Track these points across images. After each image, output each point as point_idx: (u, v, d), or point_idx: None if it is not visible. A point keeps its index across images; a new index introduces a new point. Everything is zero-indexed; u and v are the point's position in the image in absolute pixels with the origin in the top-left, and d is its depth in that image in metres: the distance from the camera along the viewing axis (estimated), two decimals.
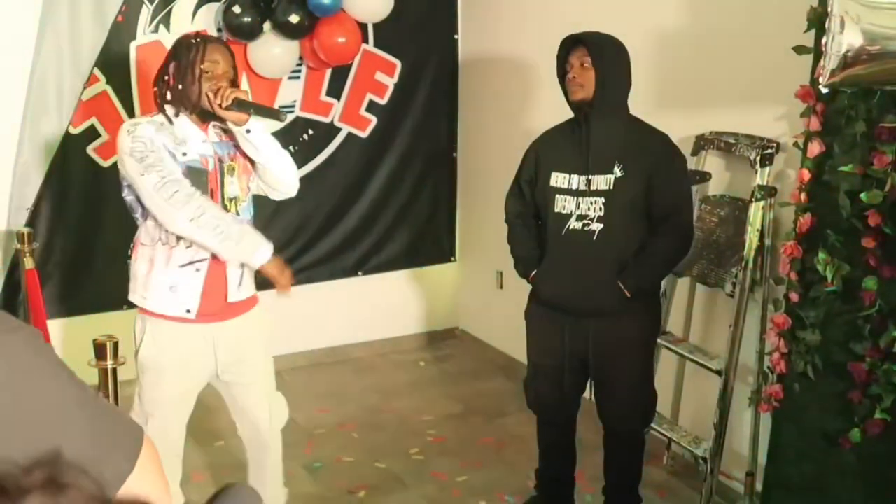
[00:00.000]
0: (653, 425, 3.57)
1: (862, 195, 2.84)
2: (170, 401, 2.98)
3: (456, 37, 5.20)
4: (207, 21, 4.50)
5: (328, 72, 4.82)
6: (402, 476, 3.88)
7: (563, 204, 3.13)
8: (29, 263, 3.82)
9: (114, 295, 4.54)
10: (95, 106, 4.37)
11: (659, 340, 3.61)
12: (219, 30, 4.51)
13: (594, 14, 3.79)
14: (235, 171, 2.94)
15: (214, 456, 4.07)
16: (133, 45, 4.40)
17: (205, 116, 2.88)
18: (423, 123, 5.12)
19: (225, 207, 2.87)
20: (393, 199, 5.15)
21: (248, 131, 2.85)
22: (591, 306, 3.12)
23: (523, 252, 3.30)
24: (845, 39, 2.05)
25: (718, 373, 3.43)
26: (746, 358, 3.44)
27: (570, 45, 3.11)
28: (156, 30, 4.43)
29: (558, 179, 3.15)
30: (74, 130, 4.34)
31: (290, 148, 4.75)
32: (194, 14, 4.49)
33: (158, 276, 2.86)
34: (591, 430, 3.44)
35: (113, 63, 4.36)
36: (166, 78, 2.85)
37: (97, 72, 4.32)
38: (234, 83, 2.88)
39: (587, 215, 3.09)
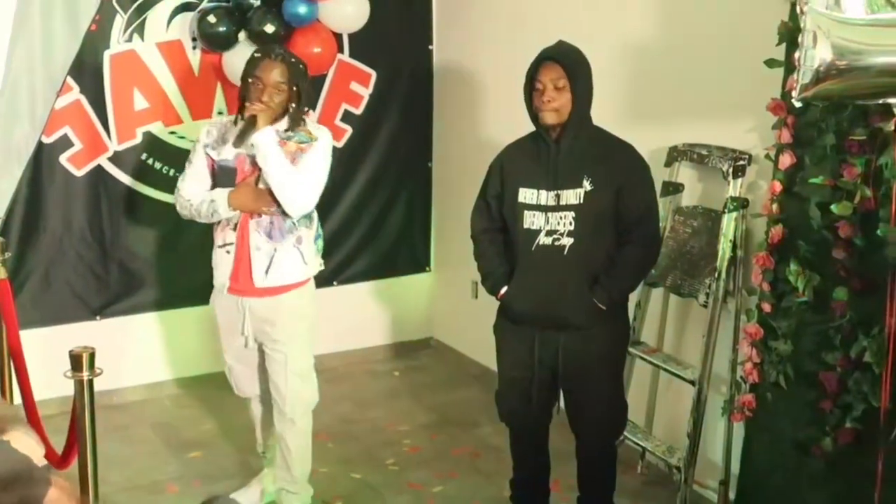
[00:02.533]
0: (627, 434, 3.59)
1: (832, 207, 2.89)
2: (229, 353, 3.53)
3: (431, 47, 5.22)
4: (182, 30, 4.49)
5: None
6: (377, 487, 3.88)
7: (532, 220, 3.12)
8: (1, 273, 3.77)
9: (88, 304, 4.54)
10: (69, 115, 4.34)
11: (632, 350, 3.63)
12: (193, 39, 4.49)
13: (567, 25, 3.81)
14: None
15: (189, 466, 4.04)
16: (107, 54, 4.37)
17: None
18: (398, 133, 5.13)
19: None
20: (368, 209, 5.15)
21: (251, 144, 3.21)
22: (562, 320, 3.12)
23: (491, 268, 3.28)
24: (818, 54, 2.08)
25: (692, 382, 3.45)
26: (719, 368, 3.47)
27: (543, 60, 3.07)
28: (129, 39, 4.41)
29: (526, 195, 3.13)
30: (47, 139, 4.31)
31: None
32: (169, 23, 4.47)
33: (213, 253, 3.40)
34: (565, 439, 3.45)
35: (86, 72, 4.34)
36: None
37: (70, 80, 4.30)
38: (295, 97, 3.27)
39: (557, 230, 3.09)
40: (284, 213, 3.26)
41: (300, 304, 3.42)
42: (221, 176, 3.31)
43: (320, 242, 3.49)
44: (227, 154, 3.30)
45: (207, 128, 3.39)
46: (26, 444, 1.38)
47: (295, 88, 3.27)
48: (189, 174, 3.38)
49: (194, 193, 3.34)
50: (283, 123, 3.28)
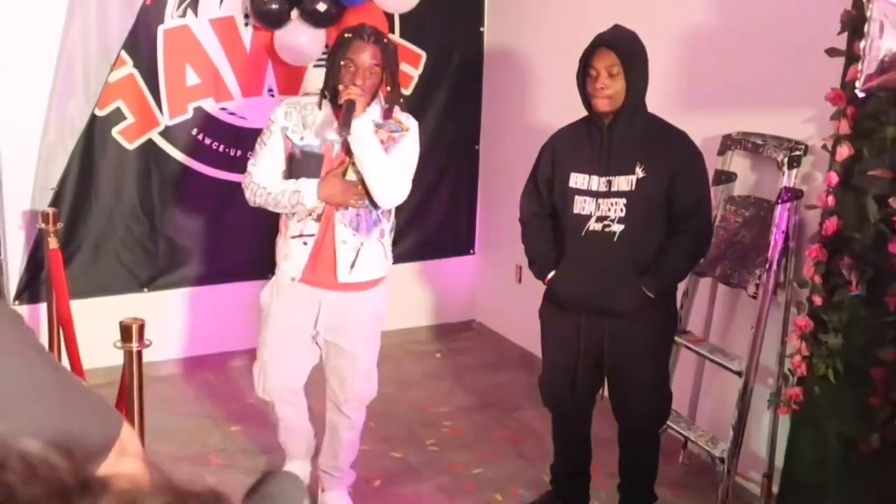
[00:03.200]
0: (670, 424, 3.57)
1: (890, 200, 2.83)
2: (280, 346, 3.32)
3: (482, 29, 5.19)
4: (235, 7, 4.50)
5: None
6: (417, 466, 3.90)
7: (583, 205, 3.10)
8: (53, 243, 3.84)
9: (136, 277, 4.60)
10: (121, 88, 4.38)
11: (678, 339, 3.60)
12: (246, 16, 4.51)
13: (622, 9, 3.77)
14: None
15: (232, 440, 4.08)
16: (161, 29, 4.40)
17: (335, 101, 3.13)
18: (446, 115, 5.11)
19: None
20: (414, 191, 5.08)
21: (349, 134, 3.04)
22: (610, 307, 3.10)
23: (540, 253, 3.27)
24: (884, 44, 2.04)
25: (738, 374, 3.42)
26: (767, 360, 3.43)
27: (597, 46, 3.02)
28: (183, 14, 4.43)
29: (577, 180, 3.11)
30: (100, 112, 4.35)
31: None
32: (222, 0, 4.49)
33: (280, 245, 3.26)
34: (607, 426, 3.44)
35: (140, 46, 4.37)
36: (326, 67, 3.19)
37: (124, 54, 4.33)
38: (391, 81, 3.15)
39: (607, 216, 3.06)
40: (373, 205, 3.15)
41: (380, 302, 3.34)
42: (305, 163, 3.12)
43: (393, 235, 3.42)
44: (312, 139, 3.13)
45: (285, 109, 3.18)
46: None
47: (387, 72, 3.11)
48: (262, 158, 3.18)
49: (272, 181, 3.15)
50: (375, 110, 3.13)
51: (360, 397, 3.41)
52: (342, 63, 3.04)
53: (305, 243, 3.17)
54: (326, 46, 4.67)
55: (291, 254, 3.20)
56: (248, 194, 3.23)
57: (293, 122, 3.15)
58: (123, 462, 1.20)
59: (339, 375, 3.35)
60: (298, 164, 3.13)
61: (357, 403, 3.42)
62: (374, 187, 3.10)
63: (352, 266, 3.17)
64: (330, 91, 3.11)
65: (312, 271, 3.18)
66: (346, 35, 3.10)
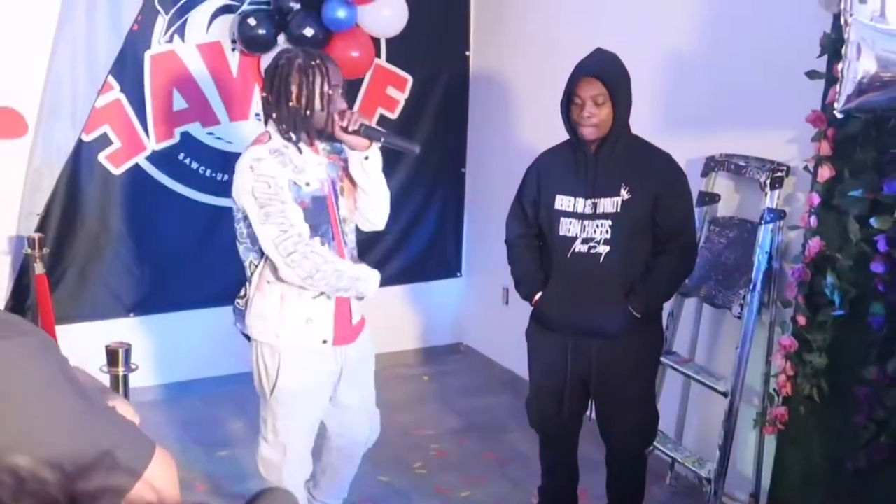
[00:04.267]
0: (657, 445, 3.57)
1: (872, 220, 2.86)
2: (308, 428, 3.06)
3: (467, 53, 5.23)
4: (222, 32, 4.53)
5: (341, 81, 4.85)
6: (405, 490, 3.89)
7: (568, 227, 3.11)
8: (39, 268, 3.84)
9: (123, 302, 4.59)
10: (108, 113, 4.39)
11: (664, 360, 3.61)
12: (233, 41, 4.54)
13: (605, 32, 3.81)
14: (344, 191, 2.95)
15: (218, 465, 4.07)
16: (147, 55, 4.42)
17: (318, 137, 2.86)
18: (432, 139, 5.14)
19: (341, 231, 2.93)
20: (401, 214, 5.16)
21: (366, 158, 2.86)
22: (596, 328, 3.11)
23: (526, 274, 3.27)
24: (861, 66, 2.07)
25: (724, 394, 3.43)
26: (752, 380, 3.45)
27: (582, 75, 3.02)
28: (170, 39, 4.46)
29: (563, 202, 3.12)
30: (87, 137, 4.36)
31: None
32: (209, 25, 4.52)
33: (292, 310, 2.85)
34: (594, 448, 3.45)
35: (127, 71, 4.39)
36: (291, 104, 2.76)
37: (111, 79, 4.35)
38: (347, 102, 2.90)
39: (593, 238, 3.08)
40: (362, 229, 3.07)
41: (371, 336, 3.17)
42: (316, 211, 2.83)
43: None
44: (314, 181, 2.85)
45: (276, 160, 2.76)
46: (125, 410, 1.42)
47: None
48: (293, 215, 2.75)
49: (328, 267, 2.79)
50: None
51: (373, 439, 3.31)
52: (329, 92, 2.79)
53: (329, 297, 2.89)
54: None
55: (315, 315, 2.88)
56: (299, 266, 2.73)
57: (290, 169, 2.79)
58: (155, 487, 1.21)
59: (352, 425, 3.19)
60: (308, 214, 2.81)
61: (372, 442, 3.32)
62: (381, 209, 3.03)
63: (357, 305, 3.03)
64: (319, 128, 2.82)
65: (342, 326, 2.94)
66: (316, 62, 2.79)
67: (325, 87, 2.77)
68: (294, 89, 2.75)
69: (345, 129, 2.80)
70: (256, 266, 2.89)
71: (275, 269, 2.81)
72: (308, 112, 2.76)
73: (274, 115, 2.81)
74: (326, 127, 2.80)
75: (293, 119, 2.78)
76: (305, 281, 2.76)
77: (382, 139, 2.86)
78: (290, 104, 2.76)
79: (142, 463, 1.21)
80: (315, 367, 2.94)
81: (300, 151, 2.82)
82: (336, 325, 2.92)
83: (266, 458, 3.07)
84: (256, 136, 2.88)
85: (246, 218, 2.81)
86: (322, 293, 2.85)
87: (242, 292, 2.98)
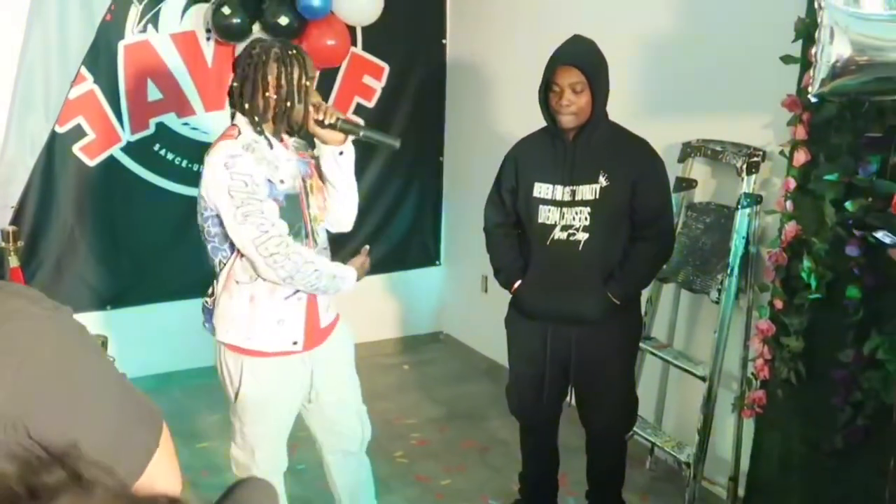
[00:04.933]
0: (636, 430, 3.59)
1: (847, 204, 2.88)
2: (277, 432, 2.96)
3: (444, 41, 5.22)
4: (196, 21, 4.50)
5: (317, 74, 4.82)
6: (386, 479, 3.88)
7: (547, 214, 3.11)
8: (14, 262, 3.81)
9: (100, 294, 4.56)
10: (82, 105, 4.36)
11: (643, 345, 3.63)
12: (208, 30, 4.50)
13: (583, 20, 3.81)
14: (314, 189, 2.83)
15: (198, 457, 4.05)
16: (121, 45, 4.39)
17: (292, 131, 2.77)
18: (409, 127, 5.12)
19: (312, 230, 2.81)
20: (379, 203, 5.16)
21: (340, 153, 2.78)
22: (576, 315, 3.12)
23: (505, 262, 3.27)
24: (835, 50, 2.08)
25: (702, 378, 3.45)
26: (730, 364, 3.47)
27: (560, 63, 3.01)
28: (144, 29, 4.42)
29: (541, 190, 3.12)
30: (60, 129, 4.33)
31: None
32: (183, 14, 4.49)
33: (263, 312, 2.74)
34: (574, 433, 3.46)
35: (100, 62, 4.35)
36: (267, 95, 2.64)
37: (84, 70, 4.31)
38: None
39: (572, 225, 3.08)
40: (331, 230, 2.97)
41: (347, 332, 3.04)
42: (290, 207, 2.71)
43: None
44: (288, 179, 2.72)
45: (250, 157, 2.62)
46: None
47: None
48: (272, 214, 2.64)
49: (309, 267, 2.70)
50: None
51: (368, 433, 3.18)
52: (307, 84, 2.68)
53: (300, 298, 2.79)
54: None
55: (287, 317, 2.77)
56: (281, 267, 2.63)
57: (264, 166, 2.66)
58: (164, 456, 1.24)
59: (346, 428, 3.08)
60: (283, 212, 2.69)
61: (367, 441, 3.18)
62: (351, 207, 2.94)
63: (327, 307, 2.91)
64: (296, 122, 2.72)
65: (311, 330, 2.83)
66: (293, 53, 2.69)
67: (303, 79, 2.67)
68: (271, 80, 2.63)
69: (320, 123, 2.71)
70: (225, 264, 2.77)
71: (248, 269, 2.71)
72: (288, 104, 2.65)
73: (246, 107, 2.66)
74: (303, 120, 2.70)
75: (270, 111, 2.66)
76: (285, 280, 2.67)
77: (361, 133, 2.77)
78: (267, 94, 2.64)
79: (159, 430, 1.24)
80: (280, 375, 2.82)
81: (271, 146, 2.68)
82: (307, 326, 2.82)
83: (236, 458, 3.00)
84: (223, 132, 2.73)
85: (217, 216, 2.67)
86: (295, 292, 2.76)
87: (210, 290, 2.87)
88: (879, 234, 2.45)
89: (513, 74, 4.68)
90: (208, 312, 2.88)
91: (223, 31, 4.44)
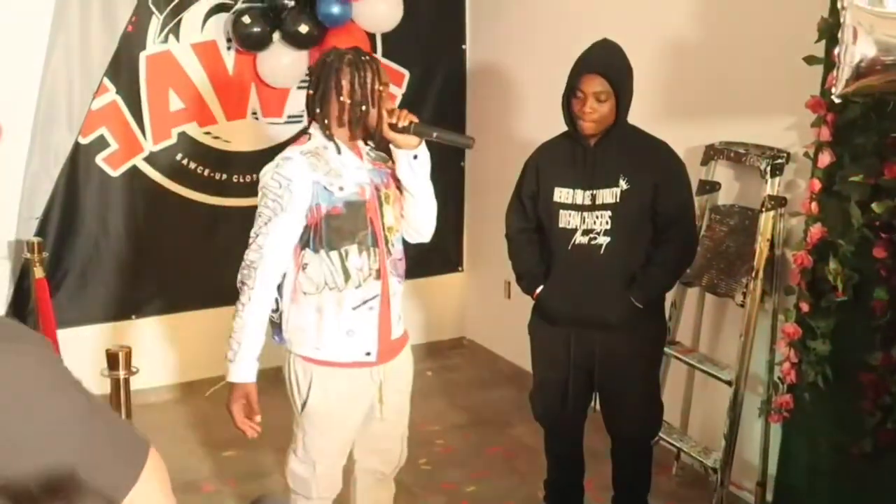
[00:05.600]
0: (662, 435, 3.57)
1: (873, 205, 2.85)
2: (339, 447, 2.89)
3: (464, 47, 5.22)
4: (217, 31, 4.52)
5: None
6: (410, 486, 3.87)
7: (568, 219, 3.10)
8: (39, 273, 3.83)
9: (124, 304, 4.58)
10: (105, 115, 4.38)
11: (668, 350, 3.60)
12: (228, 40, 4.52)
13: (604, 24, 3.80)
14: (391, 199, 2.79)
15: (224, 465, 4.06)
16: (143, 55, 4.41)
17: (367, 136, 2.75)
18: None
19: (385, 239, 2.75)
20: None
21: (415, 157, 2.74)
22: (599, 320, 3.10)
23: (528, 268, 3.26)
24: (858, 50, 2.05)
25: (728, 383, 3.42)
26: (756, 368, 3.44)
27: (586, 69, 2.99)
28: (165, 39, 4.44)
29: (562, 195, 3.10)
30: (84, 140, 4.36)
31: None
32: (204, 24, 4.51)
33: (332, 322, 2.69)
34: (600, 439, 3.44)
35: (122, 72, 4.38)
36: (341, 99, 2.64)
37: (107, 81, 4.34)
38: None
39: (593, 229, 3.07)
40: (408, 241, 2.91)
41: (411, 353, 2.97)
42: (349, 216, 2.65)
43: None
44: (350, 186, 2.68)
45: (307, 160, 2.63)
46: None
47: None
48: (277, 229, 2.61)
49: (269, 282, 2.65)
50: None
51: (404, 460, 3.08)
52: (381, 89, 2.67)
53: (371, 308, 2.72)
54: (309, 68, 4.68)
55: (357, 327, 2.71)
56: (240, 271, 2.67)
57: (322, 172, 2.64)
58: (150, 491, 1.21)
59: (389, 450, 2.99)
60: (342, 220, 2.65)
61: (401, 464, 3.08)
62: (429, 216, 2.88)
63: (399, 318, 2.84)
64: (369, 126, 2.69)
65: (381, 338, 2.75)
66: (366, 58, 2.69)
67: (377, 84, 2.66)
68: (345, 84, 2.64)
69: (394, 127, 2.68)
70: (284, 276, 2.73)
71: (314, 280, 2.68)
72: (363, 108, 2.65)
73: (319, 111, 2.68)
74: (376, 125, 2.68)
75: (345, 115, 2.66)
76: (237, 285, 2.67)
77: (435, 135, 2.76)
78: (341, 99, 2.65)
79: (139, 465, 1.20)
80: (349, 387, 2.77)
81: (339, 151, 2.68)
82: (380, 336, 2.75)
83: (295, 471, 2.91)
84: (297, 137, 2.75)
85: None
86: (365, 302, 2.71)
87: (275, 305, 2.78)
88: None
89: (533, 79, 4.67)
90: (276, 326, 2.85)
91: (244, 41, 4.46)
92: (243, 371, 2.67)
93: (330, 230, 2.64)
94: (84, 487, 1.11)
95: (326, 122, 2.68)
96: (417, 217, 2.87)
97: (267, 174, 2.66)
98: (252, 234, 2.64)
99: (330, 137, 2.68)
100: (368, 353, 2.74)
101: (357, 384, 2.77)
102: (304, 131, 2.76)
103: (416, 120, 2.71)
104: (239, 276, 2.66)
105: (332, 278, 2.67)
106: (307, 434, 2.84)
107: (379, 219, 2.74)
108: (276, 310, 2.80)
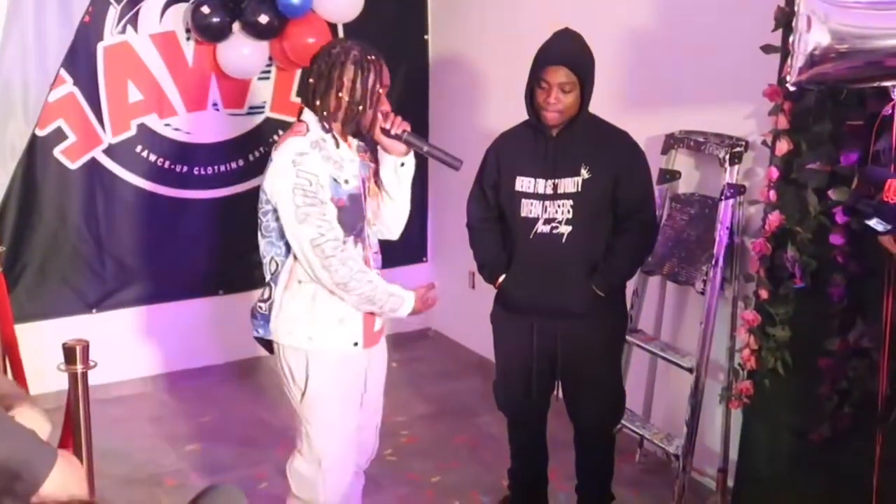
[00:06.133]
0: (625, 422, 3.59)
1: (829, 192, 2.88)
2: (345, 438, 2.85)
3: (426, 37, 5.20)
4: (176, 22, 4.47)
5: (298, 72, 4.80)
6: (376, 477, 3.85)
7: (530, 208, 3.10)
8: None
9: (84, 298, 4.53)
10: (62, 107, 4.33)
11: (630, 338, 3.63)
12: (187, 30, 4.48)
13: (564, 14, 3.79)
14: (370, 192, 2.83)
15: (187, 460, 4.03)
16: (100, 46, 4.35)
17: (358, 134, 2.78)
18: None
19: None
20: None
21: (402, 165, 2.79)
22: (561, 308, 3.11)
23: (489, 257, 3.27)
24: (812, 38, 2.07)
25: (689, 370, 3.45)
26: (717, 355, 3.47)
27: (550, 60, 2.99)
28: (123, 30, 4.39)
29: (523, 184, 3.11)
30: (41, 132, 4.29)
31: (260, 149, 4.74)
32: (162, 15, 4.45)
33: (324, 309, 2.72)
34: (563, 428, 3.45)
35: (80, 64, 4.32)
36: (340, 95, 2.66)
37: (63, 73, 4.28)
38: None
39: (555, 218, 3.08)
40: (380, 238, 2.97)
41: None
42: (351, 209, 2.71)
43: None
44: (352, 179, 2.72)
45: (317, 154, 2.64)
46: (31, 418, 1.40)
47: None
48: (330, 217, 2.64)
49: (362, 277, 2.68)
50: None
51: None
52: (380, 91, 2.71)
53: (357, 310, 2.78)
54: (270, 58, 4.65)
55: (349, 315, 2.75)
56: (335, 271, 2.62)
57: (331, 165, 2.67)
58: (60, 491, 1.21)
59: (368, 438, 3.02)
60: (346, 212, 2.69)
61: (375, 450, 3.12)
62: (402, 218, 2.95)
63: None
64: (364, 126, 2.74)
65: (366, 328, 2.81)
66: (371, 58, 2.71)
67: (377, 86, 2.69)
68: (346, 81, 2.65)
69: (386, 132, 2.73)
70: (279, 264, 2.74)
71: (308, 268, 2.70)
72: (360, 108, 2.67)
73: (318, 102, 2.68)
74: (370, 126, 2.72)
75: (340, 112, 2.68)
76: (339, 286, 2.65)
77: (425, 148, 2.79)
78: (340, 95, 2.65)
79: (40, 474, 1.20)
80: (346, 368, 2.80)
81: (337, 145, 2.69)
82: (365, 326, 2.80)
83: (300, 472, 2.87)
84: (292, 127, 2.74)
85: (275, 211, 2.68)
86: None
87: (266, 294, 2.79)
88: (872, 222, 2.44)
89: (496, 69, 4.67)
90: (262, 317, 2.81)
91: (203, 31, 4.41)
92: (407, 296, 2.80)
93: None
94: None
95: (325, 114, 2.68)
96: (392, 217, 2.92)
97: (287, 172, 2.61)
98: (311, 237, 2.60)
99: (328, 130, 2.69)
100: (356, 344, 2.78)
101: (349, 369, 2.80)
102: (298, 119, 2.75)
103: (408, 128, 2.75)
104: (338, 277, 2.63)
105: None
106: (311, 425, 2.82)
107: (365, 211, 2.78)
108: (267, 298, 2.80)
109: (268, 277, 2.79)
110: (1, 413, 1.24)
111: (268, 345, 2.87)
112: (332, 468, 2.83)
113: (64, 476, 1.23)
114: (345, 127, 2.71)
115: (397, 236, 3.00)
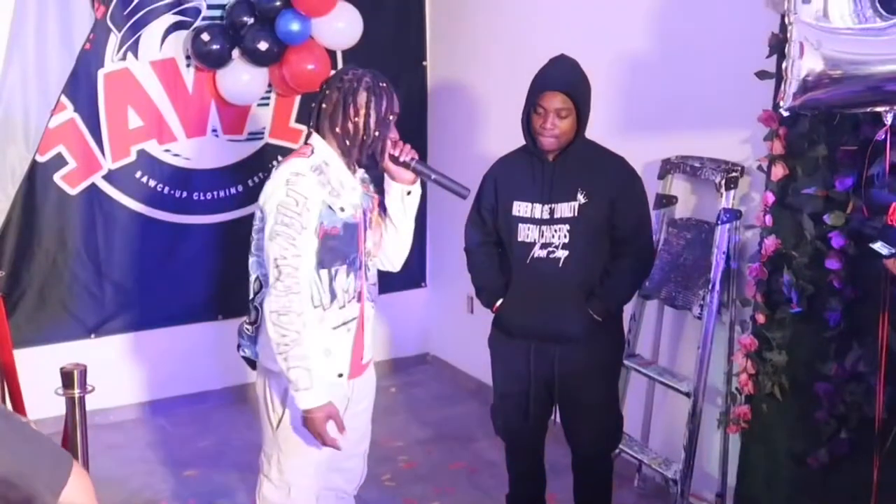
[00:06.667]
0: (623, 447, 3.59)
1: (825, 217, 2.89)
2: (315, 467, 2.80)
3: (424, 63, 5.23)
4: (176, 48, 4.50)
5: (297, 98, 4.83)
6: (373, 502, 3.86)
7: (527, 233, 3.12)
8: None
9: (83, 323, 4.53)
10: (63, 134, 4.35)
11: (627, 363, 3.63)
12: (187, 57, 4.51)
13: (561, 39, 3.82)
14: (372, 224, 2.80)
15: (185, 485, 4.02)
16: (101, 73, 4.38)
17: (365, 161, 2.74)
18: None
19: (364, 263, 2.76)
20: None
21: (408, 193, 2.77)
22: (558, 332, 3.12)
23: (487, 282, 3.28)
24: (805, 64, 2.10)
25: (687, 394, 3.45)
26: (715, 379, 3.47)
27: (547, 86, 3.02)
28: (124, 57, 4.42)
29: (520, 209, 3.13)
30: (41, 158, 4.31)
31: (260, 175, 4.76)
32: (162, 42, 4.48)
33: (312, 339, 2.62)
34: (561, 453, 3.45)
35: (81, 90, 4.34)
36: (356, 120, 2.63)
37: (64, 99, 4.31)
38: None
39: (551, 243, 3.09)
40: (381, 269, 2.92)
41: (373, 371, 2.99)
42: (346, 238, 2.67)
43: None
44: (349, 207, 2.68)
45: (315, 178, 2.61)
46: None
47: None
48: (304, 247, 2.58)
49: (305, 305, 2.59)
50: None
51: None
52: (391, 118, 2.68)
53: (349, 330, 2.73)
54: (270, 85, 4.68)
55: (333, 347, 2.70)
56: (276, 298, 2.54)
57: (328, 190, 2.64)
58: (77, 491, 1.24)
59: (353, 468, 2.98)
60: (340, 241, 2.66)
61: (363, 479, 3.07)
62: (405, 249, 2.90)
63: (372, 343, 2.87)
64: (374, 153, 2.70)
65: (353, 360, 2.77)
66: (383, 85, 2.69)
67: (388, 113, 2.67)
68: (360, 107, 2.64)
69: (395, 159, 2.71)
70: (263, 284, 2.70)
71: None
72: (376, 133, 2.65)
73: (336, 129, 2.65)
74: (379, 153, 2.69)
75: (349, 137, 2.65)
76: (269, 315, 2.55)
77: (433, 177, 2.78)
78: (356, 120, 2.64)
79: (63, 476, 1.23)
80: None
81: (353, 169, 2.70)
82: (353, 358, 2.75)
83: (268, 498, 2.84)
84: (298, 148, 2.74)
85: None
86: (344, 323, 2.70)
87: (253, 317, 2.76)
88: (877, 245, 2.46)
89: (493, 94, 4.70)
90: (249, 338, 2.79)
91: (203, 58, 4.44)
92: (323, 392, 2.60)
93: (325, 249, 2.62)
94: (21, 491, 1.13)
95: (334, 139, 2.67)
96: (393, 249, 2.89)
97: (279, 189, 2.59)
98: (275, 256, 2.55)
99: (334, 155, 2.67)
100: (341, 375, 2.74)
101: (337, 397, 2.72)
102: (306, 142, 2.74)
103: (416, 156, 2.74)
104: (275, 304, 2.54)
105: (319, 296, 2.64)
106: (283, 453, 2.78)
107: (363, 242, 2.75)
108: (254, 322, 2.78)
109: (251, 295, 2.75)
110: (19, 419, 1.26)
111: (254, 364, 2.86)
112: (299, 498, 2.80)
113: (82, 481, 1.25)
114: (353, 152, 2.68)
115: (398, 268, 2.96)
